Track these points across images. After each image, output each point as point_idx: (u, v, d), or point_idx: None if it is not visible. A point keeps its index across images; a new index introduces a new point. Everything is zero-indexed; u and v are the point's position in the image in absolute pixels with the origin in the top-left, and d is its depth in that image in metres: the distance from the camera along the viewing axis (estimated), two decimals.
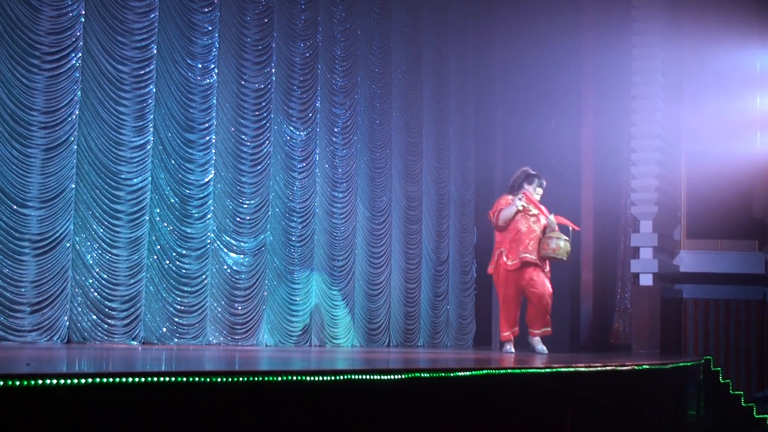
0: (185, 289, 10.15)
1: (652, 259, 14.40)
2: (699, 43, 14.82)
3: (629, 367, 7.48)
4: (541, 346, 10.07)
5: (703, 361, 11.68)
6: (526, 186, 10.11)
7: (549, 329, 10.21)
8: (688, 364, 9.76)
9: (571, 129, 15.72)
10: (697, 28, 14.85)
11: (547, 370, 5.96)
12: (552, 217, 10.09)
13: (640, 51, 14.69)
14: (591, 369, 6.70)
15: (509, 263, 9.93)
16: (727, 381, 13.25)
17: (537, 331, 10.16)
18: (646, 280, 14.43)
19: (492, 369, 5.47)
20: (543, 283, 10.06)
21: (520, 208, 9.93)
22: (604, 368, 6.93)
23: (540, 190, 10.12)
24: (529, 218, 9.95)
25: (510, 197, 10.00)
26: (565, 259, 9.96)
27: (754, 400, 13.25)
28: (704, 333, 15.00)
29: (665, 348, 14.13)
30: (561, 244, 9.75)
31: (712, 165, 14.84)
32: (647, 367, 7.91)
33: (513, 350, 10.08)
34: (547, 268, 10.08)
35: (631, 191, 14.82)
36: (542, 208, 10.19)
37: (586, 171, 15.67)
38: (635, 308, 14.58)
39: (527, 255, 9.86)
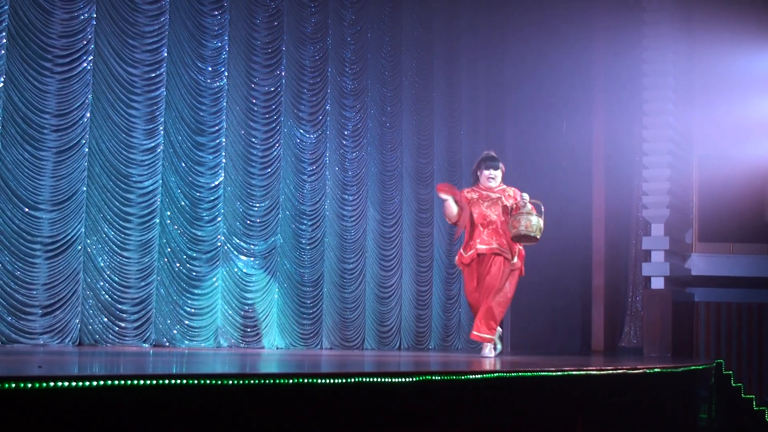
0: (196, 291, 10.17)
1: (663, 263, 14.37)
2: (711, 46, 14.79)
3: (640, 371, 7.46)
4: (487, 350, 8.55)
5: (714, 364, 11.64)
6: (479, 174, 8.90)
7: (491, 336, 8.58)
8: (700, 367, 9.73)
9: (583, 132, 15.71)
10: (709, 32, 14.82)
11: (559, 373, 5.94)
12: (526, 195, 8.63)
13: (652, 54, 14.67)
14: (602, 372, 6.68)
15: (465, 255, 8.72)
16: (739, 384, 13.21)
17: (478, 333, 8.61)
18: (657, 283, 14.40)
19: (503, 372, 5.46)
20: (503, 280, 8.68)
21: (445, 198, 8.70)
22: (615, 371, 6.91)
23: (494, 173, 8.78)
24: (481, 204, 8.74)
25: (466, 190, 8.89)
26: (538, 237, 8.54)
27: (765, 404, 13.20)
28: (716, 336, 14.96)
29: (677, 351, 14.10)
30: (532, 221, 8.46)
31: (724, 168, 14.81)
32: (658, 370, 7.89)
33: (492, 354, 8.56)
34: (518, 264, 8.73)
35: (643, 194, 14.80)
36: (507, 190, 8.87)
37: (597, 174, 15.67)
38: (646, 311, 14.55)
39: (482, 246, 8.62)
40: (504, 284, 8.66)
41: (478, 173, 8.85)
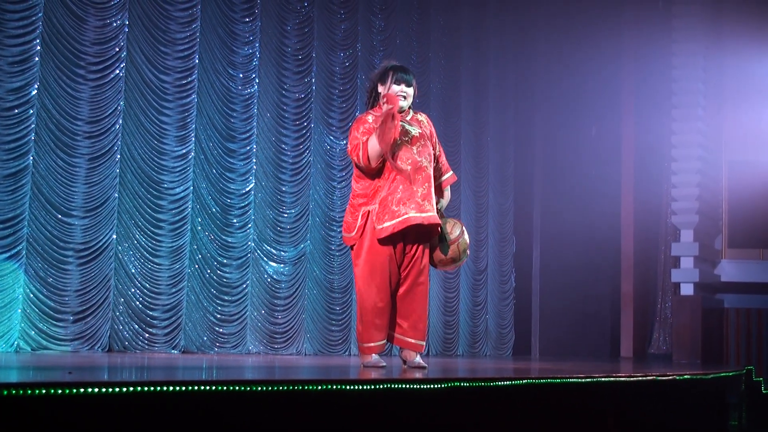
0: (226, 298, 10.22)
1: (693, 269, 14.32)
2: (740, 50, 14.74)
3: (670, 377, 7.44)
4: (419, 359, 5.90)
5: (744, 371, 11.57)
6: (380, 89, 5.87)
7: (423, 344, 5.99)
8: (730, 374, 9.68)
9: (612, 137, 15.68)
10: (739, 36, 14.76)
11: (588, 379, 5.94)
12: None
13: (681, 59, 14.63)
14: (632, 379, 6.68)
15: (385, 225, 5.65)
16: None
17: (413, 341, 5.92)
18: (687, 289, 14.35)
19: (531, 378, 5.46)
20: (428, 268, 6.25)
21: (391, 107, 5.59)
22: (644, 378, 6.90)
23: (407, 90, 5.80)
24: (411, 147, 5.66)
25: (371, 116, 5.85)
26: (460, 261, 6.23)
27: None
28: (746, 343, 14.88)
29: (706, 358, 14.03)
30: (465, 237, 6.04)
31: (754, 174, 14.74)
32: (688, 377, 7.87)
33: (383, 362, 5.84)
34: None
35: (672, 200, 14.76)
36: (421, 119, 5.97)
37: (626, 179, 15.63)
38: (676, 318, 14.50)
39: (416, 214, 5.64)
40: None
41: (382, 88, 5.86)
